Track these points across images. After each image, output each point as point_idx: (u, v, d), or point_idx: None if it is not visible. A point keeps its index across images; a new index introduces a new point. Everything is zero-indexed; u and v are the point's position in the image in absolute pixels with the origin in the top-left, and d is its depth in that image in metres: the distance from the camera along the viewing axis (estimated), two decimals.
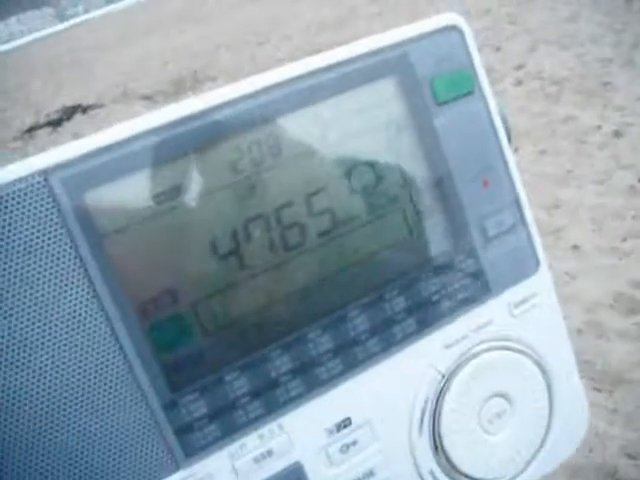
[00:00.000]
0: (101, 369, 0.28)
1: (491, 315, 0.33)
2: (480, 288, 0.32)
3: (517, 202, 0.33)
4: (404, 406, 0.32)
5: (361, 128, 0.30)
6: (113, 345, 0.28)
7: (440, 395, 0.32)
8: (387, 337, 0.31)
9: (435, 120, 0.31)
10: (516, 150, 1.20)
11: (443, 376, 0.32)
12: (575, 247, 0.95)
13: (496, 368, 0.33)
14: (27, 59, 3.33)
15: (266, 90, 0.29)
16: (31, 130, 2.10)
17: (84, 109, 2.20)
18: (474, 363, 0.32)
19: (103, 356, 0.28)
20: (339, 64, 0.30)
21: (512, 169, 0.33)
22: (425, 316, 0.32)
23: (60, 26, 3.83)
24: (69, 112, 2.18)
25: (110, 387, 0.28)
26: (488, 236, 0.33)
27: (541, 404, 0.34)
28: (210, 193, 0.28)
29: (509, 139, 0.34)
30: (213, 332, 0.29)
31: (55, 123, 2.13)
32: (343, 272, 0.31)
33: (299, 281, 0.30)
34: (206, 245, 0.28)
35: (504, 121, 0.34)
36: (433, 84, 0.31)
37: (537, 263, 0.34)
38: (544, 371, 0.34)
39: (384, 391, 0.31)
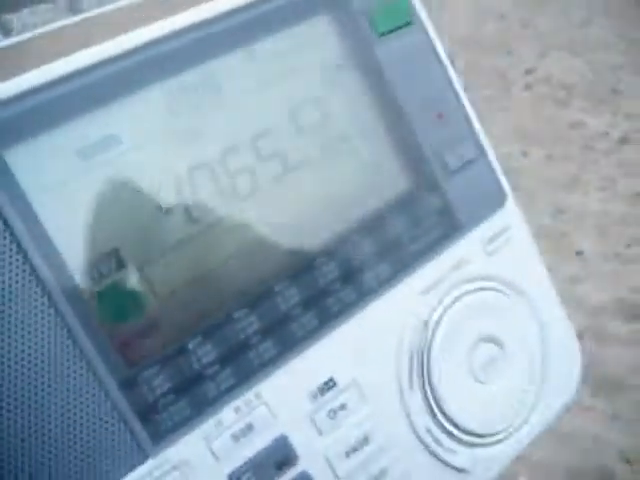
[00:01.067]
0: (44, 349, 0.24)
1: (466, 253, 0.31)
2: (449, 225, 0.31)
3: (474, 134, 0.32)
4: (389, 360, 0.30)
5: (300, 67, 0.28)
6: (54, 319, 0.24)
7: (425, 344, 0.30)
8: (359, 286, 0.29)
9: (377, 52, 0.30)
10: (524, 154, 1.20)
11: (425, 323, 0.30)
12: (579, 252, 0.95)
13: (480, 309, 0.31)
14: (37, 51, 3.33)
15: (196, 27, 0.27)
16: None
17: None
18: (456, 306, 0.31)
19: (44, 333, 0.24)
20: (268, 1, 0.28)
21: (463, 99, 0.32)
22: (396, 261, 0.30)
23: (73, 18, 3.83)
24: None
25: (57, 368, 0.24)
26: (450, 170, 0.31)
27: (533, 346, 0.32)
28: (146, 141, 0.25)
29: (452, 65, 0.33)
30: (167, 296, 0.26)
31: None
32: (302, 219, 0.28)
33: (256, 231, 0.27)
34: (148, 200, 0.25)
35: (448, 49, 0.32)
36: (371, 15, 0.30)
37: (504, 195, 0.32)
38: (531, 309, 0.32)
39: (366, 345, 0.29)
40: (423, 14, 0.31)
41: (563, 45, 1.69)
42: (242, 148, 0.27)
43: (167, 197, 0.25)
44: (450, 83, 0.32)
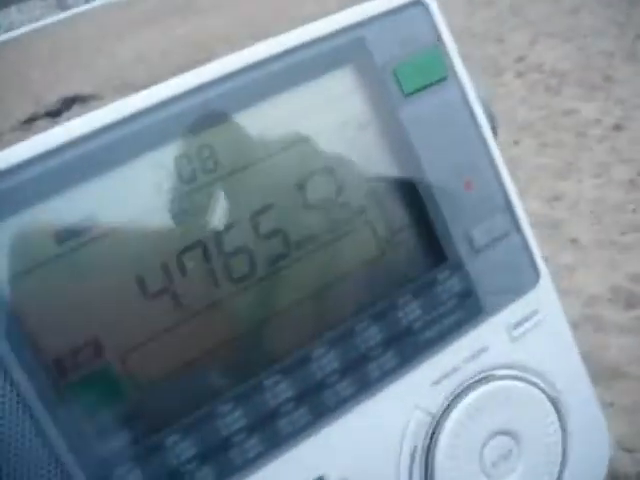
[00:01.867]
0: (15, 447, 0.21)
1: (486, 340, 0.28)
2: (470, 309, 0.27)
3: (508, 205, 0.28)
4: (388, 458, 0.26)
5: (314, 130, 0.25)
6: (22, 414, 0.21)
7: (431, 440, 0.27)
8: (361, 377, 0.26)
9: (402, 114, 0.26)
10: (516, 143, 1.19)
11: (433, 417, 0.27)
12: (574, 240, 0.94)
13: (496, 402, 0.28)
14: (27, 48, 3.31)
15: (194, 91, 0.24)
16: (30, 121, 2.10)
17: (83, 99, 2.19)
18: (469, 399, 0.27)
19: (14, 428, 0.21)
20: (284, 55, 0.25)
21: (499, 166, 0.28)
22: (406, 349, 0.26)
23: (60, 16, 3.82)
24: (68, 103, 2.17)
25: (28, 468, 0.22)
26: (476, 247, 0.27)
27: (553, 439, 0.28)
28: (131, 221, 0.23)
29: (494, 130, 0.29)
30: (148, 388, 0.23)
31: (54, 114, 2.12)
32: (302, 304, 0.25)
33: (249, 319, 0.25)
34: (132, 284, 0.23)
35: (486, 109, 0.28)
36: (396, 72, 0.26)
37: (537, 274, 0.29)
38: (554, 400, 0.28)
39: (362, 442, 0.26)
40: (460, 66, 0.27)
41: (554, 32, 1.68)
42: (240, 226, 0.24)
43: (152, 281, 0.23)
44: (485, 147, 0.28)
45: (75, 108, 2.18)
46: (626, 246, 0.91)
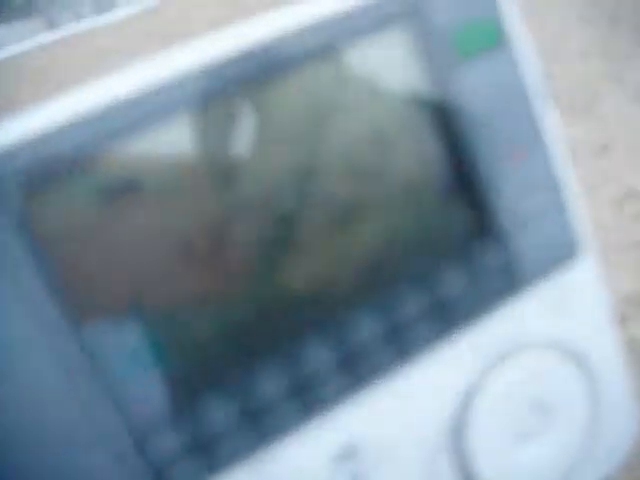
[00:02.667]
0: (48, 408, 0.20)
1: (526, 311, 0.28)
2: (512, 281, 0.27)
3: (554, 179, 0.28)
4: (425, 426, 0.26)
5: (364, 95, 0.24)
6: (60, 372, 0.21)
7: (468, 410, 0.27)
8: (400, 346, 0.26)
9: (457, 79, 0.25)
10: None
11: (472, 385, 0.27)
12: None
13: (534, 373, 0.28)
14: (17, 69, 3.32)
15: (238, 57, 0.23)
16: None
17: None
18: (508, 368, 0.28)
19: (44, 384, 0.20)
20: (331, 16, 0.23)
21: (551, 137, 0.27)
22: (448, 317, 0.26)
23: (50, 36, 3.82)
24: None
25: (65, 429, 0.21)
26: (520, 220, 0.27)
27: (585, 412, 0.29)
28: (174, 184, 0.22)
29: (549, 101, 0.28)
30: (189, 350, 0.23)
31: None
32: (348, 271, 0.25)
33: (298, 286, 0.24)
34: (177, 250, 0.23)
35: (542, 79, 0.26)
36: (453, 35, 0.25)
37: (578, 248, 0.29)
38: (589, 374, 0.29)
39: (399, 409, 0.26)
40: (516, 36, 0.27)
41: (541, 55, 1.71)
42: (286, 193, 0.24)
43: (199, 246, 0.23)
44: (537, 119, 0.27)
45: None
46: (613, 267, 0.92)
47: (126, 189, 0.22)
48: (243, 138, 0.23)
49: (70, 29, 3.90)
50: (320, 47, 0.24)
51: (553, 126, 0.27)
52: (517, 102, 0.27)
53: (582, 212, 0.28)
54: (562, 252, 0.28)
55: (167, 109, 0.22)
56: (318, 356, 0.25)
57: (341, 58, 0.24)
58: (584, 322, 0.29)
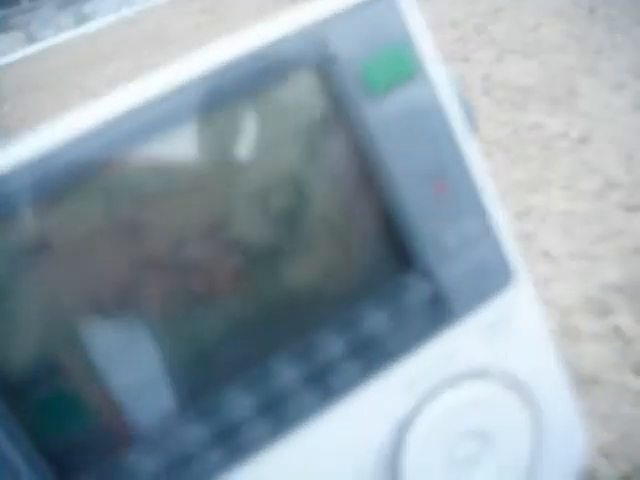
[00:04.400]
0: None
1: (458, 343, 0.27)
2: (440, 313, 0.26)
3: (482, 205, 0.27)
4: (357, 466, 0.25)
5: (273, 137, 0.24)
6: None
7: (400, 446, 0.26)
8: (325, 387, 0.25)
9: (368, 115, 0.25)
10: (488, 156, 1.22)
11: (403, 423, 0.26)
12: (546, 253, 0.96)
13: (469, 405, 0.27)
14: None
15: (147, 104, 0.23)
16: None
17: None
18: (440, 402, 0.26)
19: None
20: (243, 59, 0.23)
21: (473, 166, 0.27)
22: (373, 356, 0.26)
23: (29, 49, 3.81)
24: None
25: None
26: (447, 251, 0.26)
27: (527, 438, 0.28)
28: (82, 241, 0.22)
29: (471, 123, 0.27)
30: (106, 413, 0.22)
31: None
32: (264, 318, 0.24)
33: (209, 336, 0.24)
34: (84, 307, 0.22)
35: (464, 104, 0.27)
36: (362, 71, 0.25)
37: (511, 273, 0.28)
38: (530, 400, 0.28)
39: (329, 452, 0.25)
40: (432, 62, 0.26)
41: (517, 49, 1.72)
42: (196, 242, 0.23)
43: (108, 303, 0.22)
44: (457, 147, 0.26)
45: None
46: (596, 256, 0.93)
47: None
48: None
49: (49, 42, 3.89)
50: (230, 91, 0.23)
51: (476, 153, 0.27)
52: (436, 132, 0.26)
53: (512, 237, 0.27)
54: (494, 280, 0.28)
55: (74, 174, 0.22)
56: (240, 403, 0.24)
57: (253, 100, 0.24)
58: (522, 349, 0.28)
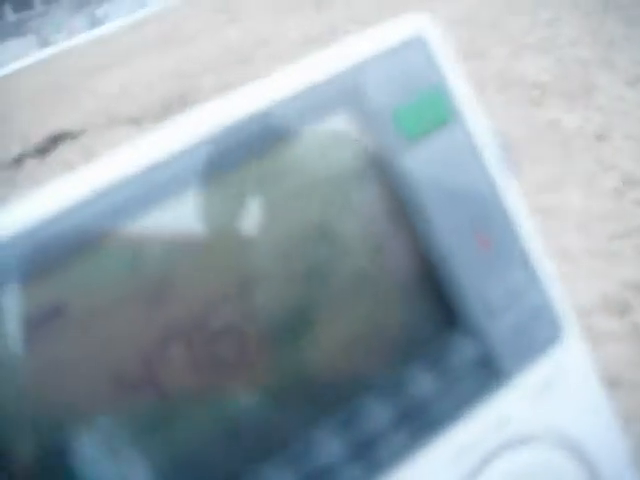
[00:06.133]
0: None
1: (508, 407, 0.24)
2: (488, 375, 0.24)
3: (525, 259, 0.25)
4: None
5: (305, 188, 0.22)
6: None
7: None
8: (372, 461, 0.22)
9: (404, 162, 0.23)
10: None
11: None
12: (564, 251, 0.95)
13: (524, 473, 0.24)
14: (11, 88, 3.33)
15: (165, 162, 0.21)
16: (18, 160, 2.10)
17: (71, 136, 2.20)
18: (494, 471, 0.24)
19: None
20: (275, 106, 0.22)
21: (516, 216, 0.25)
22: (419, 425, 0.23)
23: (43, 53, 3.84)
24: (56, 140, 2.18)
25: None
26: (493, 309, 0.24)
27: None
28: (104, 308, 0.20)
29: (513, 169, 0.25)
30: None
31: (42, 151, 2.13)
32: (302, 387, 0.22)
33: (241, 407, 0.22)
34: (109, 377, 0.20)
35: (503, 148, 0.25)
36: (396, 116, 0.23)
37: (561, 328, 0.26)
38: (584, 460, 0.25)
39: None
40: (468, 105, 0.24)
41: (532, 44, 1.70)
42: (226, 304, 0.21)
43: (131, 373, 0.20)
44: (497, 196, 0.24)
45: (64, 145, 2.18)
46: (614, 253, 0.92)
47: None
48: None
49: (62, 45, 3.91)
50: (262, 138, 0.22)
51: (517, 199, 0.25)
52: (475, 180, 0.24)
53: (560, 290, 0.26)
54: (543, 336, 0.25)
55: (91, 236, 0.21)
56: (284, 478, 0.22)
57: (284, 148, 0.22)
58: (575, 408, 0.26)
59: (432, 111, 0.24)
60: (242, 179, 0.22)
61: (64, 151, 2.17)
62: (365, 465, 0.22)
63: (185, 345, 0.21)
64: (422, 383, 0.23)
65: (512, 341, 0.25)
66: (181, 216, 0.21)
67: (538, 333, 0.25)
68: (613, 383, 0.72)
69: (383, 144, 0.23)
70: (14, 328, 0.19)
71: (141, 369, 0.20)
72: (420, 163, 0.23)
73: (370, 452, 0.22)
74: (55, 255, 0.20)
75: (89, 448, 0.20)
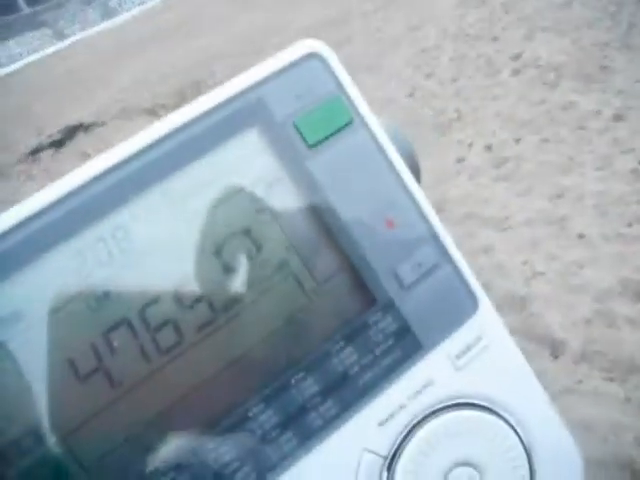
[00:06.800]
0: None
1: (430, 374, 0.27)
2: (409, 346, 0.27)
3: (434, 236, 0.28)
4: None
5: (224, 195, 0.26)
6: None
7: (388, 474, 0.26)
8: (303, 429, 0.25)
9: (310, 165, 0.27)
10: (517, 141, 1.19)
11: (385, 459, 0.26)
12: (581, 235, 0.94)
13: (449, 435, 0.27)
14: (27, 81, 3.35)
15: (102, 177, 0.25)
16: (34, 152, 2.12)
17: (86, 127, 2.21)
18: (420, 435, 0.26)
19: None
20: (185, 127, 0.26)
21: (420, 200, 0.28)
22: (346, 394, 0.26)
23: (58, 45, 3.86)
24: (71, 131, 2.19)
25: None
26: (405, 284, 0.27)
27: (518, 462, 0.27)
28: (55, 311, 0.24)
29: (414, 167, 0.28)
30: (93, 465, 0.24)
31: (58, 144, 2.14)
32: (235, 364, 0.25)
33: (183, 385, 0.25)
34: (64, 369, 0.24)
35: (403, 146, 0.28)
36: (297, 125, 0.27)
37: (475, 301, 0.28)
38: (512, 423, 0.28)
39: None
40: (365, 109, 0.28)
41: (548, 26, 1.68)
42: (162, 299, 0.25)
43: (83, 363, 0.24)
44: (402, 184, 0.28)
45: (79, 136, 2.20)
46: (633, 238, 0.91)
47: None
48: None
49: (76, 37, 3.93)
50: (173, 162, 0.26)
51: (417, 186, 0.28)
52: (377, 173, 0.28)
53: (466, 264, 0.28)
54: (459, 308, 0.28)
55: (43, 244, 0.24)
56: (221, 454, 0.25)
57: (196, 169, 0.26)
58: (498, 373, 0.28)
59: (332, 117, 0.28)
60: (168, 191, 0.25)
61: (79, 143, 2.19)
62: (297, 433, 0.25)
63: (128, 336, 0.24)
64: (346, 357, 0.26)
65: (429, 312, 0.27)
66: (118, 226, 0.25)
67: (453, 305, 0.28)
68: (632, 369, 0.71)
69: (289, 151, 0.27)
70: None
71: (91, 358, 0.24)
72: (325, 163, 0.27)
73: (301, 421, 0.26)
74: (9, 265, 0.24)
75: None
